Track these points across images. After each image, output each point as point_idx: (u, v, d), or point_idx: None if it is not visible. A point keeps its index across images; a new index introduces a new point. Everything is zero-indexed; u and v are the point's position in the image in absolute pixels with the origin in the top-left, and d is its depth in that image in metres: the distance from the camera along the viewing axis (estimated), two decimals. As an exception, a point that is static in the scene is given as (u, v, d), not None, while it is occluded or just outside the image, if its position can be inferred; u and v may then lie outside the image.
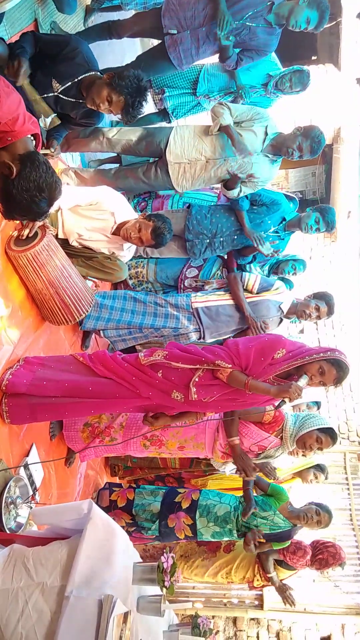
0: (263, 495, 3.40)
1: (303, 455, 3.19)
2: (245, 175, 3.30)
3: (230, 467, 3.34)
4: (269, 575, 3.52)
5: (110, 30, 3.59)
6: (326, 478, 3.90)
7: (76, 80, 2.70)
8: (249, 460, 2.89)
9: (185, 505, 3.34)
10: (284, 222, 3.77)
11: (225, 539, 3.41)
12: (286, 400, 2.36)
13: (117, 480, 3.93)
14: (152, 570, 1.83)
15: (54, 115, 2.83)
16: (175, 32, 3.38)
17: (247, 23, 3.29)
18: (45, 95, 2.72)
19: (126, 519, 3.38)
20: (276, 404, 2.58)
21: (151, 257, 3.95)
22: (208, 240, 3.63)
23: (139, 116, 2.81)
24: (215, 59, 3.84)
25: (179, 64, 3.54)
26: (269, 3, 3.32)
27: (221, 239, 3.63)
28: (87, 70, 2.71)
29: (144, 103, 2.72)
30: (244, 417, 2.90)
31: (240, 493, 3.44)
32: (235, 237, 3.63)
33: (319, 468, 3.79)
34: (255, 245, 3.51)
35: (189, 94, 4.26)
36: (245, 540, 3.24)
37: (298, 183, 8.74)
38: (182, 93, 4.22)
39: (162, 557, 1.82)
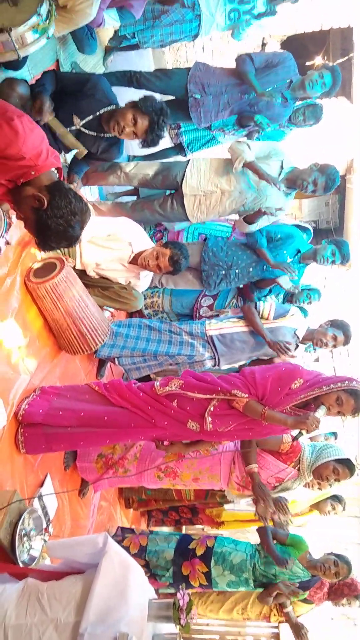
0: (282, 544, 3.31)
1: (319, 488, 3.14)
2: (265, 209, 3.38)
3: (245, 500, 3.29)
4: (286, 611, 3.40)
5: (132, 80, 3.74)
6: (344, 509, 3.82)
7: (97, 114, 2.80)
8: (267, 490, 2.83)
9: (199, 552, 3.25)
10: (298, 255, 3.79)
11: (242, 589, 3.31)
12: (303, 432, 2.33)
13: (130, 512, 3.89)
14: (167, 607, 1.79)
15: (81, 148, 2.91)
16: (199, 96, 3.62)
17: (266, 97, 3.53)
18: (68, 130, 2.81)
19: (139, 565, 3.30)
20: (294, 434, 2.54)
21: (166, 288, 3.99)
22: (224, 272, 3.67)
23: (161, 139, 2.91)
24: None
25: (198, 122, 3.81)
26: (288, 80, 3.64)
27: (237, 271, 3.67)
28: (107, 105, 2.81)
29: (166, 125, 2.82)
30: (261, 446, 2.86)
31: (255, 524, 3.37)
32: (251, 269, 3.67)
33: (336, 499, 3.72)
34: (276, 277, 3.56)
35: (204, 128, 4.37)
36: (265, 593, 3.14)
37: (311, 213, 8.81)
38: (198, 128, 4.33)
39: (178, 594, 1.78)
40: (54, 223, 1.76)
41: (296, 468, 2.95)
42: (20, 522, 2.17)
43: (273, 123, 3.93)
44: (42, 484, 2.59)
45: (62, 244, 1.85)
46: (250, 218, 3.48)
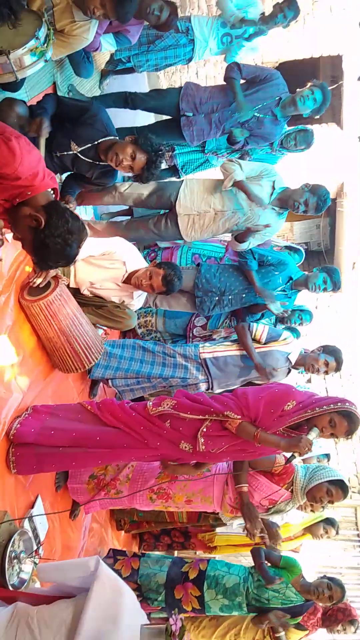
0: (275, 567, 3.27)
1: (312, 510, 3.11)
2: (254, 227, 3.40)
3: (237, 522, 3.25)
4: (277, 636, 3.33)
5: (127, 101, 3.82)
6: (337, 533, 3.77)
7: (95, 143, 2.84)
8: (255, 511, 2.80)
9: (192, 575, 3.19)
10: (290, 281, 3.83)
11: (235, 613, 3.25)
12: (296, 454, 2.32)
13: (122, 534, 3.82)
14: (159, 632, 1.74)
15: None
16: (191, 114, 3.69)
17: (256, 114, 3.62)
18: (65, 153, 2.84)
19: (131, 588, 3.24)
20: (287, 456, 2.53)
21: (160, 308, 4.00)
22: (217, 298, 3.69)
23: (153, 179, 2.99)
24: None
25: (190, 140, 3.87)
26: (277, 98, 3.69)
27: (230, 297, 3.70)
28: (105, 135, 2.86)
29: (161, 165, 2.89)
30: (253, 467, 2.84)
31: (248, 550, 3.32)
32: (244, 295, 3.70)
33: (329, 522, 3.68)
34: (267, 303, 3.58)
35: (198, 151, 4.44)
36: (257, 619, 3.09)
37: (303, 235, 8.91)
38: (191, 151, 4.41)
39: (170, 620, 1.74)
40: (52, 242, 1.78)
41: (289, 490, 2.93)
42: (10, 544, 2.13)
43: (264, 141, 3.97)
44: (32, 505, 2.54)
45: (60, 262, 1.86)
46: (240, 237, 3.51)
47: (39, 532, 2.51)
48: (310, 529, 3.71)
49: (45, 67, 3.04)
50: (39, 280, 2.60)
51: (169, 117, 3.93)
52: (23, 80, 2.59)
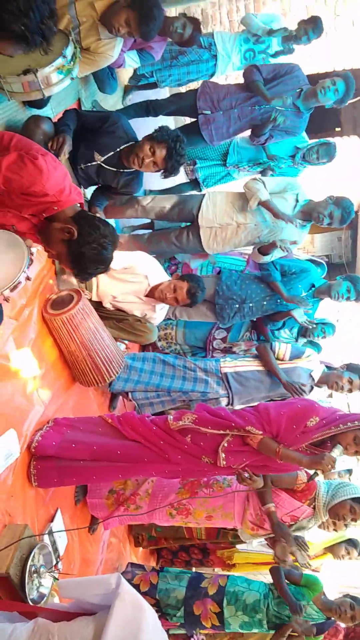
0: (295, 585, 3.20)
1: (334, 529, 3.04)
2: (282, 245, 3.37)
3: (258, 541, 3.19)
4: None
5: (148, 109, 3.85)
6: (359, 554, 3.68)
7: (117, 150, 2.86)
8: (287, 528, 2.74)
9: (212, 591, 3.13)
10: (312, 289, 3.79)
11: (255, 630, 3.18)
12: (319, 472, 2.27)
13: (140, 550, 3.79)
14: (181, 653, 1.72)
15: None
16: (208, 112, 3.65)
17: (278, 107, 3.52)
18: (89, 165, 2.87)
19: (150, 604, 3.21)
20: (309, 472, 2.49)
21: (180, 320, 4.00)
22: (237, 306, 3.66)
23: (181, 165, 2.92)
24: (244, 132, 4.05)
25: (211, 140, 3.82)
26: (298, 90, 3.64)
27: (251, 305, 3.66)
28: (126, 142, 2.88)
29: (184, 150, 2.85)
30: (275, 484, 2.79)
31: (267, 567, 3.25)
32: (265, 302, 3.66)
33: (352, 543, 3.58)
34: (290, 310, 3.54)
35: (220, 165, 4.46)
36: (278, 633, 3.02)
37: (324, 247, 8.86)
38: (213, 164, 4.42)
39: (191, 639, 1.71)
40: (88, 249, 1.81)
41: (311, 506, 2.87)
42: (30, 558, 2.13)
43: (288, 135, 3.92)
44: (52, 519, 2.54)
45: (99, 268, 1.89)
46: (264, 249, 3.49)
47: (58, 546, 2.50)
48: (331, 549, 3.62)
49: (71, 83, 3.09)
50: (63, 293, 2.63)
51: (189, 122, 3.94)
52: (49, 97, 2.64)
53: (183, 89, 6.37)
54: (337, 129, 9.00)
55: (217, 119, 3.66)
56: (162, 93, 5.45)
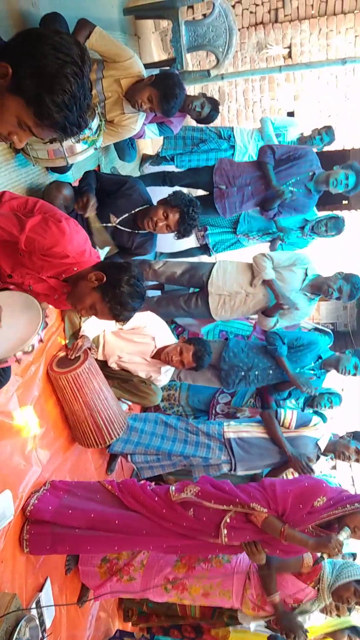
0: None
1: (337, 614, 2.87)
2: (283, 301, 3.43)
3: (255, 623, 3.00)
4: None
5: (165, 179, 4.02)
6: (363, 645, 3.46)
7: (132, 212, 2.95)
8: (296, 620, 2.56)
9: None
10: (319, 360, 3.79)
11: None
12: (325, 556, 2.17)
13: (129, 626, 3.57)
14: None
15: (112, 245, 3.05)
16: (224, 187, 3.82)
17: (290, 188, 3.71)
18: (105, 225, 2.96)
19: None
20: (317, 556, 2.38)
21: (184, 382, 3.97)
22: (243, 373, 3.64)
23: (193, 228, 3.03)
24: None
25: (223, 213, 3.98)
26: (310, 173, 3.82)
27: (256, 373, 3.64)
28: (142, 204, 2.98)
29: (197, 214, 2.95)
30: (280, 569, 2.65)
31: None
32: (271, 372, 3.64)
33: (355, 631, 3.37)
34: (303, 390, 3.53)
35: (230, 232, 4.59)
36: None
37: (329, 315, 8.92)
38: (223, 231, 4.55)
39: None
40: (124, 285, 1.84)
41: (315, 588, 2.71)
42: (16, 632, 2.00)
43: (297, 213, 4.06)
44: (41, 588, 2.42)
45: (137, 301, 1.90)
46: (269, 312, 3.53)
47: (45, 619, 2.37)
48: (333, 635, 3.40)
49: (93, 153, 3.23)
50: (74, 354, 2.63)
51: (203, 195, 4.09)
52: (72, 164, 2.75)
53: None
54: (345, 202, 9.31)
55: (231, 195, 3.83)
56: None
